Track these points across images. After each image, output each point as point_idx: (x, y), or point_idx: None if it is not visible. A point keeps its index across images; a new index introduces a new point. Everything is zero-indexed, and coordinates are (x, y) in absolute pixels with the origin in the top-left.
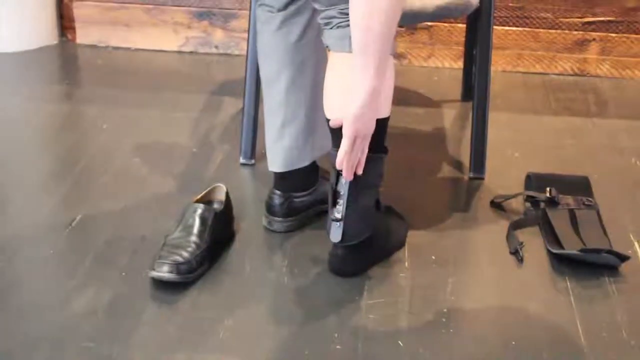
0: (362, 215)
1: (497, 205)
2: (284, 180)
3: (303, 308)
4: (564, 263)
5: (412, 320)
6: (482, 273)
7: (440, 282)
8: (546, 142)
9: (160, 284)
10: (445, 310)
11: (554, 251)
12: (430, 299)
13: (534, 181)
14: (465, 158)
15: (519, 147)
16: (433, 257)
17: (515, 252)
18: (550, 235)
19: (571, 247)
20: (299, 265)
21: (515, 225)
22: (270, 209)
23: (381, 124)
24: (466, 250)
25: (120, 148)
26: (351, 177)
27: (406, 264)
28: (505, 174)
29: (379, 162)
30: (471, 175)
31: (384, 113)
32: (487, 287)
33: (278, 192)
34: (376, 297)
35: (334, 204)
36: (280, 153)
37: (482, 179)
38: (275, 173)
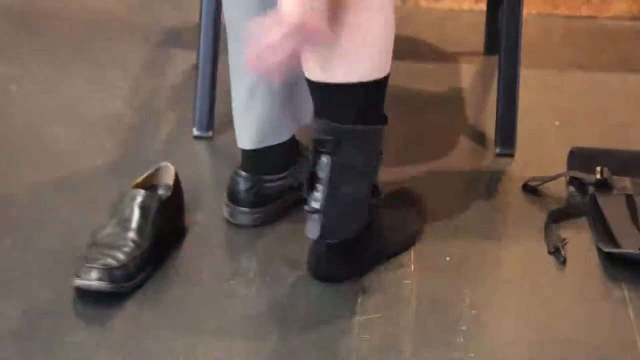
0: (348, 206)
1: (531, 190)
2: (253, 159)
3: (277, 327)
4: (619, 265)
5: (419, 342)
6: (511, 279)
7: (455, 292)
8: (596, 108)
9: (88, 296)
10: (462, 328)
11: (607, 250)
12: (442, 314)
13: (580, 158)
14: (490, 128)
15: (559, 114)
16: (447, 259)
17: (555, 252)
18: (602, 228)
19: (629, 245)
20: (271, 270)
21: (556, 217)
22: (233, 196)
23: (376, 85)
24: (490, 250)
25: (35, 117)
26: (265, 73)
27: (411, 267)
28: (541, 149)
29: (374, 137)
30: (498, 151)
31: (378, 70)
32: (517, 298)
33: (245, 174)
34: (372, 311)
35: (311, 189)
36: (249, 125)
37: (512, 155)
38: (244, 150)
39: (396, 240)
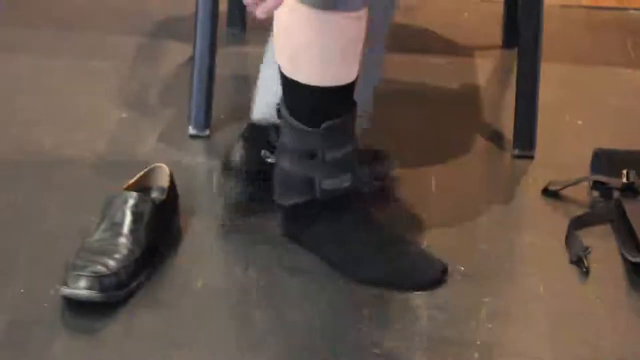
0: (284, 178)
1: (552, 195)
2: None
3: (275, 336)
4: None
5: (432, 356)
6: (530, 290)
7: (470, 303)
8: (622, 106)
9: (77, 306)
10: (478, 342)
11: (634, 260)
12: (456, 327)
13: (605, 160)
14: (508, 128)
15: (582, 112)
16: (462, 268)
17: (577, 261)
18: (628, 236)
19: None
20: (270, 277)
21: (579, 223)
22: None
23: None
24: (509, 259)
25: (17, 111)
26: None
27: None
28: (563, 150)
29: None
30: (516, 152)
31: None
32: (537, 310)
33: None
34: (381, 323)
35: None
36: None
37: (532, 157)
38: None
39: (373, 265)
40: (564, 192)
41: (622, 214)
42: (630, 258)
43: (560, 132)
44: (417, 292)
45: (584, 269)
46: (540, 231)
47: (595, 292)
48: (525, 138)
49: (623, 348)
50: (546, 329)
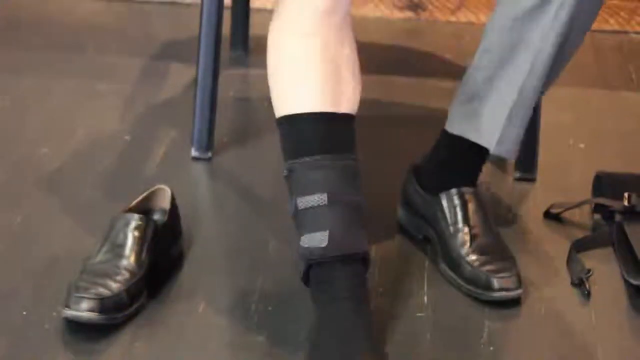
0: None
1: (554, 217)
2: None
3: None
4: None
5: None
6: (531, 313)
7: (472, 326)
8: (625, 129)
9: (78, 328)
10: None
11: (635, 282)
12: (458, 350)
13: (607, 184)
14: None
15: (584, 135)
16: (486, 310)
17: (579, 284)
18: (630, 259)
19: None
20: (272, 300)
21: (580, 246)
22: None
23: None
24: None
25: (21, 133)
26: None
27: (425, 299)
28: (565, 173)
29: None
30: (517, 175)
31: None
32: (538, 334)
33: None
34: (383, 346)
35: None
36: (512, 137)
37: (533, 180)
38: None
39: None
40: (566, 215)
41: (624, 237)
42: (631, 280)
43: (563, 155)
44: (420, 314)
45: (585, 292)
46: (542, 254)
47: (597, 314)
48: (527, 161)
49: None
50: (548, 351)
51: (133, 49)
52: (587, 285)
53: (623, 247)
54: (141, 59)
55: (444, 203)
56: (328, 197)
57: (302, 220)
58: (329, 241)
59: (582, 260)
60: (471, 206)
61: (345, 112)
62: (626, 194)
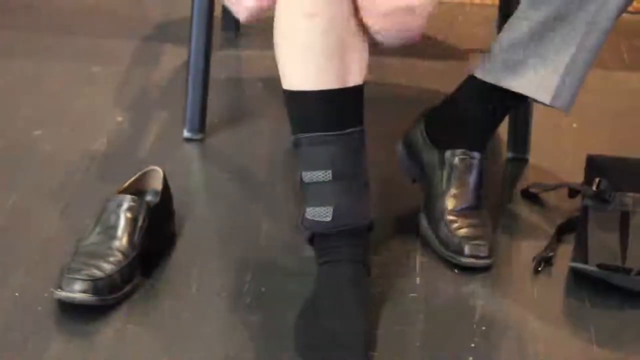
0: None
1: (531, 196)
2: None
3: (270, 341)
4: (584, 283)
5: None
6: (520, 291)
7: (464, 307)
8: (617, 109)
9: (71, 309)
10: (472, 345)
11: (570, 264)
12: (450, 330)
13: (598, 165)
14: (503, 131)
15: (577, 115)
16: (455, 271)
17: (538, 263)
18: (583, 243)
19: (595, 262)
20: (265, 281)
21: (561, 229)
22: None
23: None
24: (500, 262)
25: (14, 115)
26: None
27: (417, 280)
28: (558, 153)
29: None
30: (510, 155)
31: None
32: (526, 312)
33: None
34: (376, 327)
35: None
36: (571, 89)
37: (526, 159)
38: None
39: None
40: (558, 197)
41: (584, 222)
42: (569, 263)
43: (556, 135)
44: (413, 295)
45: (536, 270)
46: (531, 235)
47: (538, 295)
48: (520, 141)
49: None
50: (531, 329)
51: (125, 31)
52: (539, 267)
53: (582, 231)
54: (133, 40)
55: (447, 162)
56: (333, 174)
57: (307, 193)
58: (333, 217)
59: (556, 241)
60: (472, 172)
61: (352, 84)
62: (597, 179)
